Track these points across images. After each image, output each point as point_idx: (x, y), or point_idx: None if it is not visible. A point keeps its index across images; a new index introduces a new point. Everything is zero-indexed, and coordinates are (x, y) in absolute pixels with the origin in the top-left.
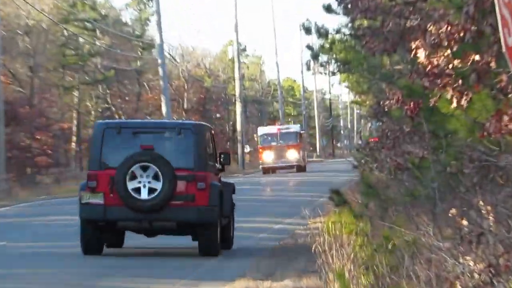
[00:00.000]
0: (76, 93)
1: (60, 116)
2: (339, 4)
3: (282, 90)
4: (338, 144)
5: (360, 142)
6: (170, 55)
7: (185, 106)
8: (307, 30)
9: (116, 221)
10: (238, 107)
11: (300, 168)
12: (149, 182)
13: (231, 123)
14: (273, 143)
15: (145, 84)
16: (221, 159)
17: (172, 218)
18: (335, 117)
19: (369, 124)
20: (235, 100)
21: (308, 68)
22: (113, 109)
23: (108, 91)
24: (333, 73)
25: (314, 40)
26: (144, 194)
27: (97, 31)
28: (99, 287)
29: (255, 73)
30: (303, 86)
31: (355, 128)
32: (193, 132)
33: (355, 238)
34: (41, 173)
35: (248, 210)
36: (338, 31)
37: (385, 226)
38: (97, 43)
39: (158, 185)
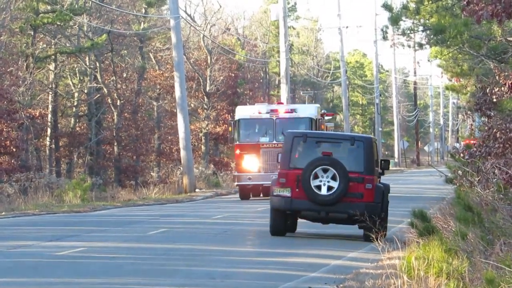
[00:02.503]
0: (52, 67)
1: (29, 100)
2: None
3: (346, 68)
4: (425, 148)
5: (456, 145)
6: (188, 14)
7: (208, 88)
8: None
9: (300, 211)
10: (284, 91)
11: None
12: (328, 181)
13: None
14: (263, 139)
15: (151, 55)
16: (382, 165)
17: (344, 211)
18: (421, 109)
19: (470, 120)
20: (279, 82)
21: (385, 37)
22: (105, 90)
23: (98, 65)
24: (420, 46)
25: None
26: (324, 191)
27: None
28: None
29: (309, 43)
30: (377, 63)
31: (450, 125)
32: (364, 143)
33: (447, 281)
34: (2, 179)
35: (295, 239)
36: None
37: (489, 266)
38: None
39: (335, 184)
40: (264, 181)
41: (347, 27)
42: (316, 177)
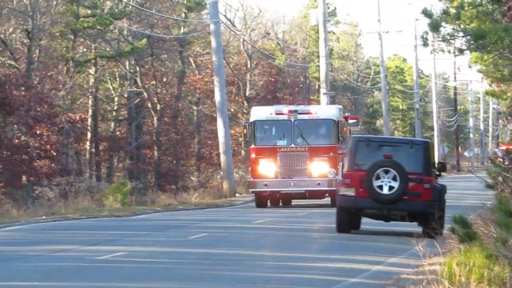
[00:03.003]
0: (92, 71)
1: (70, 104)
2: None
3: (386, 73)
4: (465, 153)
5: (496, 150)
6: (228, 19)
7: (247, 92)
8: None
9: (363, 209)
10: (324, 96)
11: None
12: (389, 182)
13: None
14: (281, 142)
15: (191, 60)
16: (438, 167)
17: (404, 209)
18: (461, 114)
19: (510, 126)
20: (319, 87)
21: (425, 43)
22: (145, 95)
23: (138, 69)
24: (461, 51)
25: (434, 2)
26: (385, 190)
27: None
28: None
29: (349, 48)
30: (417, 69)
31: (490, 131)
32: (422, 146)
33: None
34: (42, 183)
35: (337, 243)
36: None
37: None
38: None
39: (395, 184)
40: (282, 188)
41: (387, 32)
42: (378, 178)
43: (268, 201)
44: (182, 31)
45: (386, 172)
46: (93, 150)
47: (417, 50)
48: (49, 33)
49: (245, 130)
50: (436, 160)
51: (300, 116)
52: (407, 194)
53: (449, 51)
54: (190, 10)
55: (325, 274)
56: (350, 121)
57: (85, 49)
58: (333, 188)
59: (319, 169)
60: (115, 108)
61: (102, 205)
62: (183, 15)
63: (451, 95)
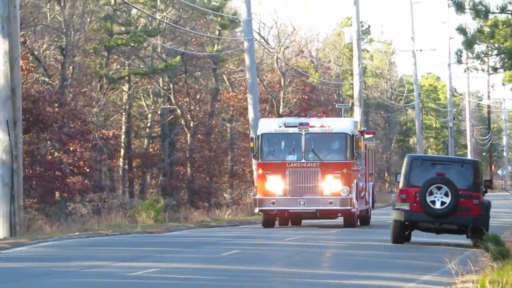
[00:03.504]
0: (125, 88)
1: (103, 120)
2: None
3: (420, 91)
4: (499, 172)
5: None
6: (261, 36)
7: (281, 110)
8: (459, 6)
9: (417, 222)
10: (357, 114)
11: (349, 219)
12: (441, 197)
13: None
14: (290, 158)
15: (224, 77)
16: (485, 184)
17: (455, 223)
18: (495, 133)
19: None
20: (352, 104)
21: (459, 61)
22: (178, 112)
23: (171, 86)
24: (494, 70)
25: (468, 21)
26: (438, 205)
27: (158, 0)
28: None
29: (382, 66)
30: (451, 87)
31: None
32: (472, 166)
33: None
34: (75, 199)
35: (369, 261)
36: (503, 9)
37: None
38: (158, 16)
39: (447, 200)
40: (290, 206)
41: (421, 50)
42: (431, 193)
43: (277, 221)
44: (215, 48)
45: (439, 188)
46: (126, 166)
47: (451, 69)
48: (83, 50)
49: (252, 144)
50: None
51: (311, 129)
52: (458, 209)
53: (483, 70)
54: (224, 27)
55: None
56: (366, 136)
57: (118, 66)
58: (347, 208)
59: (332, 186)
60: (149, 125)
61: (135, 222)
62: (217, 32)
63: (485, 114)
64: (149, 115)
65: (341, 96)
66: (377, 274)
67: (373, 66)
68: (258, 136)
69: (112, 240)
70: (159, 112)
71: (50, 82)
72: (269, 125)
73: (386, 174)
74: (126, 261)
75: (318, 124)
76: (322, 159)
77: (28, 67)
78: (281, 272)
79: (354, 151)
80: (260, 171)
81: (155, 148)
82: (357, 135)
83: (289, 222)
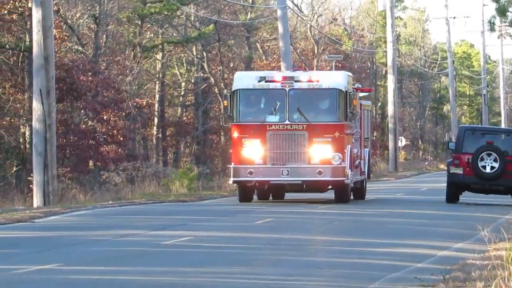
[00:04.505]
0: (159, 56)
1: (137, 89)
2: None
3: (453, 59)
4: None
5: None
6: (295, 4)
7: None
8: None
9: (469, 184)
10: (391, 82)
11: (342, 192)
12: (491, 163)
13: (379, 104)
14: (271, 118)
15: (258, 45)
16: None
17: (503, 184)
18: None
19: None
20: (386, 72)
21: (492, 28)
22: (212, 80)
23: (204, 55)
24: None
25: None
26: (488, 169)
27: None
28: None
29: (416, 33)
30: (484, 54)
31: None
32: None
33: None
34: (109, 168)
35: (403, 229)
36: None
37: None
38: None
39: (496, 165)
40: (271, 177)
41: (454, 17)
42: (482, 159)
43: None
44: (249, 16)
45: (489, 155)
46: (160, 135)
47: (484, 36)
48: (116, 18)
49: (225, 102)
50: None
51: (297, 85)
52: (505, 172)
53: None
54: None
55: (391, 259)
56: (361, 94)
57: (152, 35)
58: (339, 179)
59: (321, 153)
60: (182, 93)
61: (169, 190)
62: (250, 0)
63: None
64: (183, 84)
65: (374, 64)
66: (411, 242)
67: (406, 34)
68: (233, 92)
69: (145, 209)
70: (192, 81)
71: (84, 51)
72: (246, 79)
73: (420, 142)
74: (160, 230)
75: (305, 78)
76: (310, 120)
77: (61, 36)
78: (313, 240)
79: (348, 110)
80: (236, 134)
81: (189, 116)
82: (351, 92)
83: (270, 196)
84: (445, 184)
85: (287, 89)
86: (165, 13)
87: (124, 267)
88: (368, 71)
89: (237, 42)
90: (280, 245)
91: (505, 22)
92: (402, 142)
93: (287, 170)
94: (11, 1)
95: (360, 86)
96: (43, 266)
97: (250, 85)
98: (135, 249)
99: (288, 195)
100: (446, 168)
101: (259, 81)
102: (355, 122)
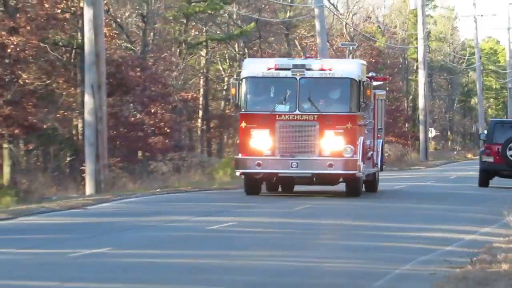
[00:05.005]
0: (203, 53)
1: (182, 84)
2: None
3: (480, 55)
4: None
5: None
6: (331, 3)
7: None
8: None
9: (499, 171)
10: (422, 77)
11: (354, 185)
12: None
13: (411, 97)
14: (281, 108)
15: (296, 42)
16: None
17: None
18: None
19: None
20: (417, 67)
21: None
22: None
23: (246, 51)
24: None
25: None
26: None
27: None
28: None
29: (445, 31)
30: (510, 50)
31: None
32: None
33: None
34: (156, 158)
35: (433, 215)
36: None
37: None
38: None
39: None
40: (280, 169)
41: (481, 15)
42: (510, 149)
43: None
44: (288, 15)
45: None
46: (204, 127)
47: (510, 32)
48: (163, 17)
49: (233, 90)
50: None
51: (308, 73)
52: None
53: None
54: None
55: (421, 243)
56: (375, 83)
57: (196, 32)
58: (350, 172)
59: (332, 145)
60: (225, 88)
61: (213, 179)
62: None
63: None
64: (226, 79)
65: (406, 59)
66: (441, 227)
67: (436, 31)
68: (242, 80)
69: (191, 196)
70: (234, 75)
71: (132, 48)
72: (256, 67)
73: (448, 133)
74: (204, 216)
75: (317, 66)
76: (321, 111)
77: (111, 34)
78: (350, 225)
79: (361, 101)
80: (244, 124)
81: (231, 109)
82: (365, 81)
83: (279, 188)
84: (473, 172)
85: (298, 78)
86: (209, 12)
87: (172, 250)
88: (400, 66)
89: (276, 39)
90: (318, 230)
91: None
92: (432, 133)
93: (297, 162)
94: (64, 1)
95: (374, 74)
96: (95, 250)
97: (259, 73)
98: (182, 234)
99: (298, 188)
100: (473, 157)
101: (269, 69)
102: (368, 113)
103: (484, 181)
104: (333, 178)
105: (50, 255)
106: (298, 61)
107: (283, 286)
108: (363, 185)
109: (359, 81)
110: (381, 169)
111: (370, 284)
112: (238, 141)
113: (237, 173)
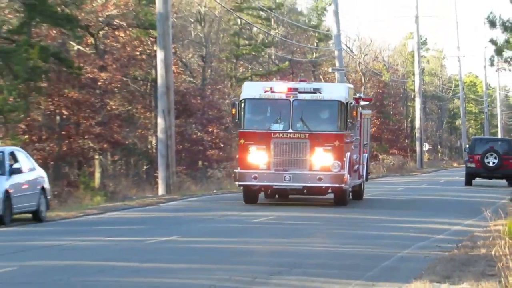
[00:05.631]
0: None
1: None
2: None
3: (463, 86)
4: None
5: None
6: (347, 47)
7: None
8: (492, 23)
9: (479, 174)
10: (418, 103)
11: (340, 196)
12: (492, 160)
13: (409, 119)
14: (276, 127)
15: (320, 76)
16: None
17: (500, 173)
18: None
19: None
20: (414, 96)
21: (492, 64)
22: None
23: None
24: None
25: (499, 35)
26: (490, 164)
27: (272, 21)
28: (271, 285)
29: (436, 67)
30: (486, 83)
31: None
32: (508, 142)
33: None
34: (213, 166)
35: (426, 210)
36: None
37: None
38: (272, 33)
39: (496, 161)
40: (274, 182)
41: (464, 56)
42: (486, 157)
43: (262, 193)
44: (314, 56)
45: (491, 154)
46: None
47: (486, 69)
48: (218, 57)
49: (234, 110)
50: None
51: (300, 96)
52: (502, 165)
53: (509, 70)
54: (320, 40)
55: (418, 232)
56: (363, 103)
57: (243, 69)
58: (337, 185)
59: (321, 160)
60: None
61: None
62: (315, 44)
63: (511, 102)
64: None
65: (405, 90)
66: (433, 220)
67: (429, 68)
68: (241, 101)
69: (239, 196)
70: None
71: (194, 81)
72: (253, 89)
73: (439, 147)
74: (250, 211)
75: (309, 90)
76: (312, 130)
77: (178, 71)
78: (360, 218)
79: (348, 121)
80: (242, 141)
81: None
82: (352, 103)
83: (276, 195)
84: (457, 178)
85: (291, 100)
86: (253, 53)
87: (225, 238)
88: (401, 95)
89: (306, 74)
90: (337, 222)
91: (501, 59)
92: (426, 147)
93: (289, 176)
94: (142, 45)
95: (362, 95)
96: (166, 238)
97: (256, 95)
98: (232, 225)
99: (292, 196)
100: (458, 166)
101: (266, 91)
102: (355, 131)
103: (469, 181)
104: (322, 190)
105: (131, 242)
106: (292, 84)
107: (313, 266)
108: (350, 194)
109: (346, 103)
110: (366, 180)
111: (379, 264)
112: (237, 156)
113: (236, 184)
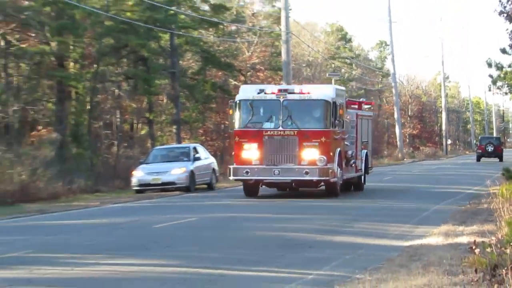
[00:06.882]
0: None
1: None
2: (511, 48)
3: (472, 104)
4: (508, 139)
5: None
6: (400, 80)
7: (409, 113)
8: (489, 65)
9: (484, 155)
10: (444, 115)
11: (331, 188)
12: (490, 147)
13: (438, 124)
14: (267, 125)
15: (383, 99)
16: (501, 142)
17: (495, 155)
18: (506, 122)
19: None
20: (441, 110)
21: (489, 90)
22: None
23: None
24: (505, 93)
25: (494, 72)
26: (489, 149)
27: (353, 65)
28: (355, 227)
29: (455, 92)
30: (486, 102)
31: None
32: (498, 138)
33: None
34: None
35: (448, 181)
36: (510, 66)
37: None
38: (353, 72)
39: (492, 148)
40: (264, 176)
41: (469, 86)
42: (487, 146)
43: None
44: (379, 86)
45: (490, 144)
46: None
47: (486, 93)
48: None
49: (230, 111)
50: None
51: (290, 96)
52: (495, 151)
53: (501, 93)
54: (383, 76)
55: (442, 194)
56: (365, 106)
57: None
58: (325, 178)
59: (309, 156)
60: None
61: None
62: (380, 78)
63: (501, 113)
64: None
65: (436, 106)
66: (451, 186)
67: (451, 93)
68: (236, 102)
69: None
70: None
71: None
72: (248, 91)
73: (457, 141)
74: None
75: (298, 90)
76: (300, 127)
77: None
78: (400, 186)
79: (335, 119)
80: (237, 138)
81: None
82: (339, 103)
83: (252, 190)
84: (470, 160)
85: (281, 100)
86: (342, 85)
87: (308, 210)
88: (433, 110)
89: (374, 98)
90: (337, 211)
91: (495, 87)
92: (449, 141)
93: (278, 170)
94: (273, 82)
95: (364, 99)
96: (299, 199)
97: (250, 96)
98: (277, 203)
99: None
100: (469, 153)
101: (259, 93)
102: (347, 129)
103: (478, 159)
104: (309, 184)
105: (272, 202)
106: (283, 86)
107: (378, 215)
108: (352, 185)
109: (333, 102)
110: (367, 173)
111: (421, 214)
112: (233, 153)
113: (231, 178)
